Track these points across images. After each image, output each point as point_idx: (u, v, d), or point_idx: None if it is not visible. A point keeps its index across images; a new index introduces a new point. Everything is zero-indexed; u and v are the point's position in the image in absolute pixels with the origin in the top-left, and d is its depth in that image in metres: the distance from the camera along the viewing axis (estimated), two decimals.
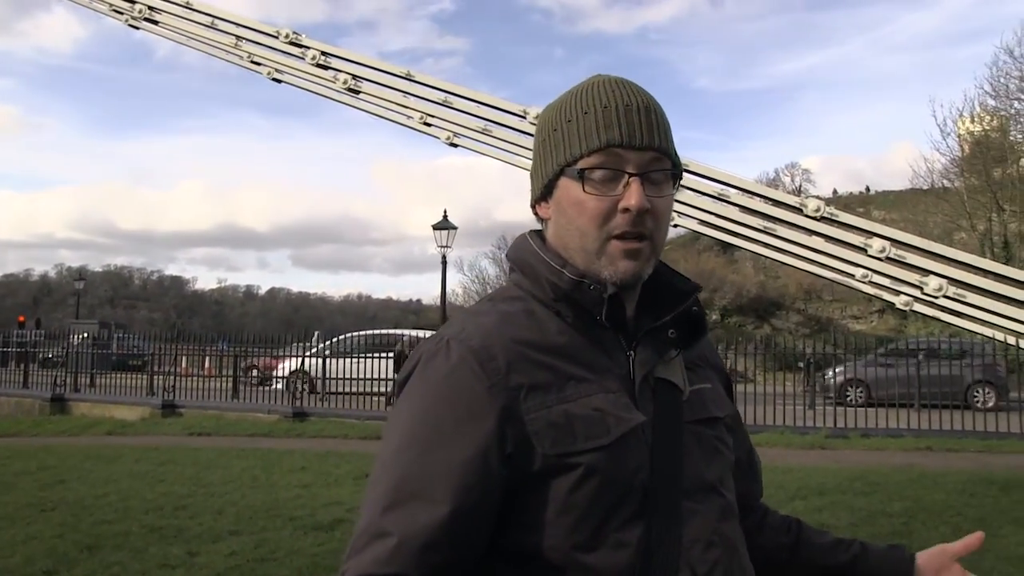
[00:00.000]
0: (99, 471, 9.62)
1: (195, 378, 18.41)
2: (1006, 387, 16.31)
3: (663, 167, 1.14)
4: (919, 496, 7.92)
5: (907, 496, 7.92)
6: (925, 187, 39.29)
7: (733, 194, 19.93)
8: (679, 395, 1.17)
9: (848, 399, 16.40)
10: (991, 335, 15.64)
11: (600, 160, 1.12)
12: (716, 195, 20.42)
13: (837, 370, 17.56)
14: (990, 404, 15.86)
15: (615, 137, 1.11)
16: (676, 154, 1.17)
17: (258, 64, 23.91)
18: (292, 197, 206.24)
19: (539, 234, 1.24)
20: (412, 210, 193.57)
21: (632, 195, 1.10)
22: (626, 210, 1.11)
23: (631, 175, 1.11)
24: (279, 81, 23.93)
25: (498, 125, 21.87)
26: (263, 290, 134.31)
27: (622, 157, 1.12)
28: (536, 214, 1.25)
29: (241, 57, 23.53)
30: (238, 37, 23.39)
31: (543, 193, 1.21)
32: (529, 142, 21.76)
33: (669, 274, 1.21)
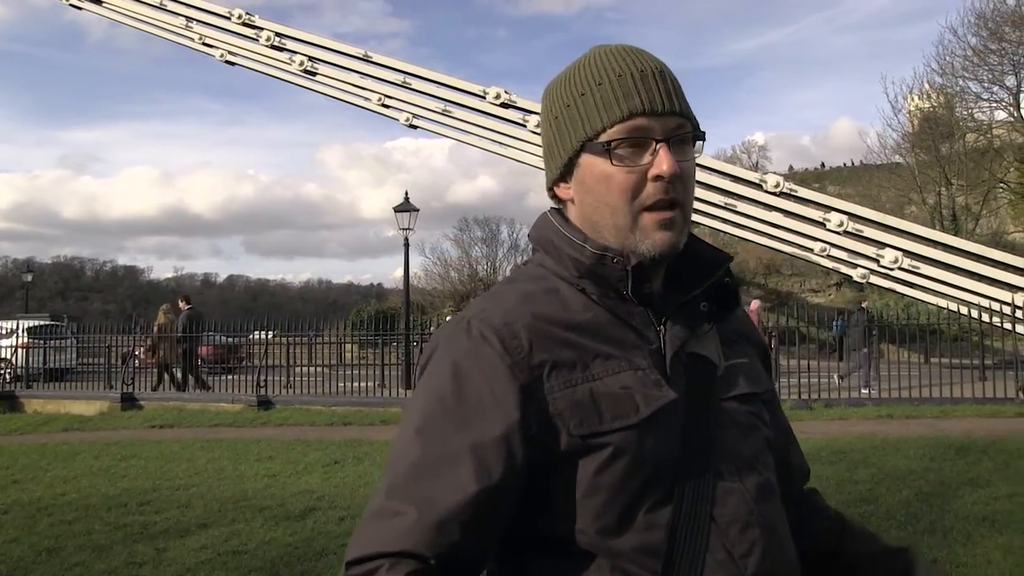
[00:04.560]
0: (56, 469, 9.36)
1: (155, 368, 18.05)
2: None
3: (686, 131, 1.11)
4: (882, 463, 8.06)
5: (871, 463, 8.06)
6: (878, 163, 39.96)
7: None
8: (713, 370, 1.13)
9: None
10: (944, 305, 16.01)
11: (625, 130, 1.08)
12: None
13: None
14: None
15: (637, 105, 1.08)
16: (694, 116, 1.13)
17: (210, 46, 23.50)
18: (243, 183, 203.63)
19: (560, 212, 1.20)
20: (364, 193, 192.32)
21: (663, 161, 1.07)
22: (658, 178, 1.07)
23: (659, 141, 1.07)
24: (232, 64, 23.55)
25: (458, 106, 21.80)
26: (221, 278, 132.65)
27: (647, 126, 1.08)
28: (555, 196, 1.21)
29: (193, 39, 23.10)
30: (188, 18, 22.95)
31: (563, 173, 1.16)
32: (489, 122, 21.82)
33: (697, 244, 1.17)
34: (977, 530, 5.67)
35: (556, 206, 1.22)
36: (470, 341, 1.07)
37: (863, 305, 16.36)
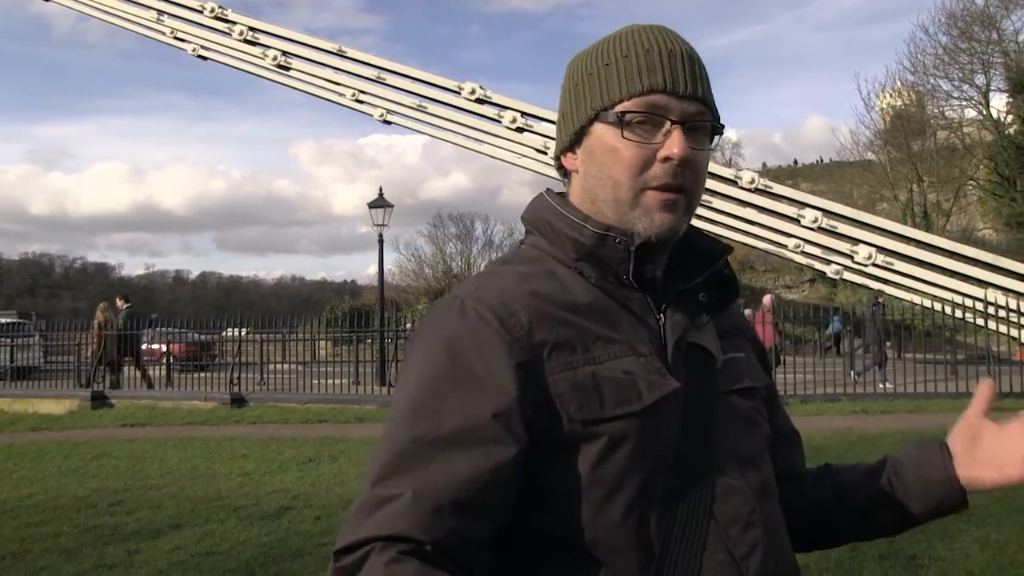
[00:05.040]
0: (23, 470, 9.18)
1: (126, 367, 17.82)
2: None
3: (705, 119, 1.06)
4: (860, 457, 7.83)
5: (849, 458, 7.95)
6: (851, 160, 40.37)
7: None
8: (713, 362, 1.08)
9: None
10: (917, 301, 16.16)
11: (642, 104, 1.03)
12: None
13: None
14: None
15: (659, 82, 1.03)
16: (717, 108, 1.08)
17: (182, 40, 23.21)
18: (215, 179, 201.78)
19: (558, 193, 1.15)
20: (337, 190, 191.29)
21: (675, 143, 1.02)
22: (667, 159, 1.02)
23: (674, 123, 1.03)
24: (205, 58, 23.28)
25: (433, 101, 21.69)
26: (194, 275, 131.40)
27: (665, 104, 1.03)
28: (561, 166, 1.16)
29: (164, 33, 22.80)
30: (160, 11, 22.64)
31: (572, 141, 1.11)
32: (464, 118, 21.74)
33: (697, 235, 1.13)
34: (955, 524, 5.69)
35: (556, 190, 1.18)
36: (464, 319, 1.00)
37: (879, 300, 16.10)
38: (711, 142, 1.08)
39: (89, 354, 17.39)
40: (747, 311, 16.03)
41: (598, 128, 1.07)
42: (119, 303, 17.87)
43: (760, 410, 1.15)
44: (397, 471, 0.93)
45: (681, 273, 1.09)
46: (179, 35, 23.00)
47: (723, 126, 1.08)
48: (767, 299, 16.07)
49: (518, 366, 0.97)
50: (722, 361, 1.10)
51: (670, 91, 1.03)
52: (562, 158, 1.15)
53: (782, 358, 15.37)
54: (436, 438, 0.94)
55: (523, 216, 1.16)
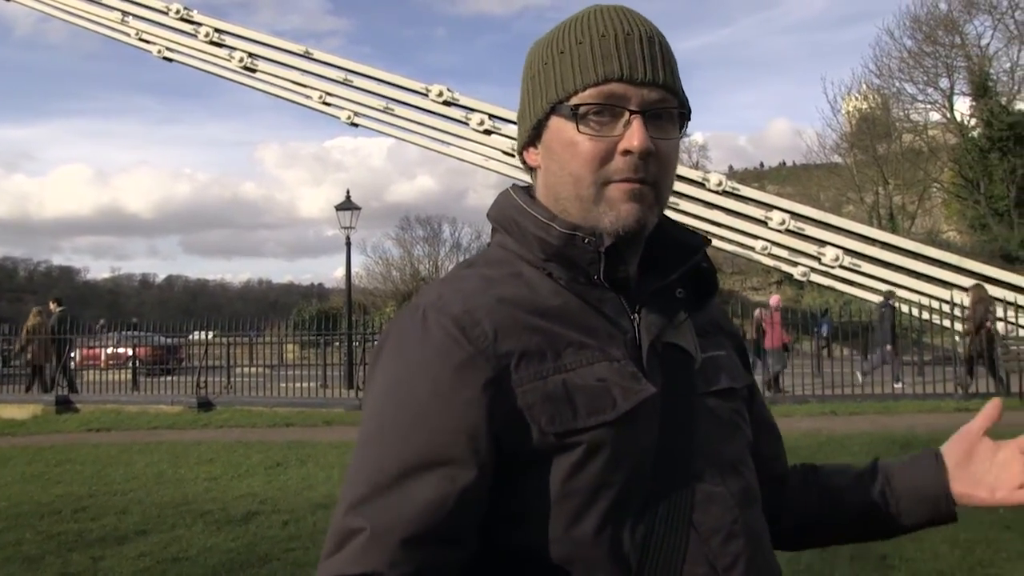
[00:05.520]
0: None
1: (91, 371, 17.57)
2: None
3: (669, 105, 0.99)
4: (829, 458, 8.13)
5: (818, 459, 8.05)
6: (817, 162, 40.81)
7: None
8: (691, 363, 1.03)
9: None
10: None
11: (597, 96, 0.97)
12: None
13: None
14: None
15: (614, 70, 0.96)
16: (683, 92, 1.02)
17: (148, 42, 22.96)
18: (180, 182, 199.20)
19: (525, 190, 1.09)
20: (303, 192, 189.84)
21: (634, 135, 0.95)
22: (627, 152, 0.96)
23: (632, 113, 0.96)
24: (170, 60, 23.03)
25: (401, 104, 21.62)
26: (160, 278, 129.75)
27: (622, 93, 0.97)
28: (524, 163, 1.09)
29: (129, 35, 22.55)
30: (124, 12, 22.37)
31: (531, 136, 1.06)
32: (431, 120, 21.67)
33: (672, 227, 1.06)
34: None
35: (521, 184, 1.12)
36: (426, 332, 0.95)
37: (890, 301, 15.89)
38: (679, 129, 1.02)
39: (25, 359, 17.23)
40: (756, 312, 15.98)
41: (555, 122, 1.01)
42: (52, 306, 17.70)
43: (741, 412, 1.09)
44: (365, 500, 0.89)
45: (656, 268, 1.04)
46: (144, 36, 22.78)
47: (689, 111, 1.03)
48: (775, 299, 16.04)
49: (484, 380, 0.92)
50: (701, 360, 1.05)
51: (627, 79, 0.96)
52: (524, 154, 1.09)
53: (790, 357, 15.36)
54: (401, 465, 0.90)
55: (489, 214, 1.10)
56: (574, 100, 0.98)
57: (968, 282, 16.69)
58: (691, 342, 1.05)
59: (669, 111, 1.00)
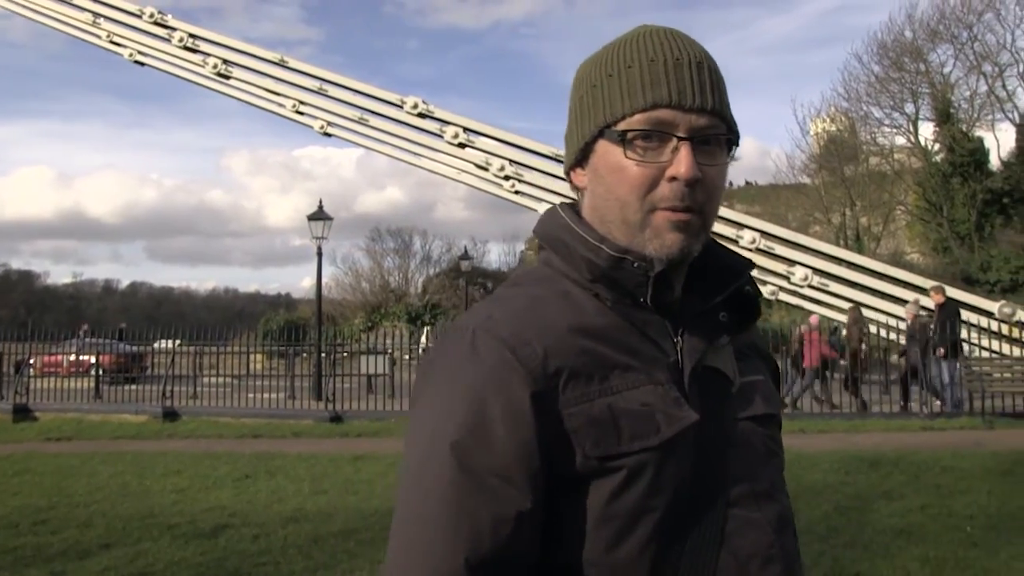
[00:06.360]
0: None
1: (51, 378, 17.21)
2: None
3: (717, 131, 0.99)
4: (799, 476, 8.21)
5: (788, 478, 8.14)
6: (786, 182, 41.36)
7: None
8: (729, 387, 1.03)
9: None
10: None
11: (645, 121, 0.97)
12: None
13: None
14: None
15: (663, 96, 0.97)
16: (732, 117, 1.02)
17: (119, 45, 22.66)
18: (146, 187, 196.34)
19: (571, 207, 1.09)
20: (270, 201, 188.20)
21: (681, 162, 0.96)
22: (674, 179, 0.96)
23: (680, 139, 0.96)
24: (142, 64, 22.76)
25: (375, 115, 21.54)
26: (123, 284, 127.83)
27: (671, 119, 0.97)
28: (571, 182, 1.10)
29: (100, 37, 22.25)
30: (96, 14, 22.09)
31: (579, 158, 1.06)
32: (405, 132, 21.58)
33: (717, 249, 1.07)
34: (895, 542, 5.82)
35: (568, 200, 1.12)
36: (475, 354, 0.95)
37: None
38: (727, 154, 1.02)
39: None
40: (798, 329, 16.17)
41: (602, 145, 1.02)
42: None
43: (776, 438, 1.11)
44: (429, 549, 0.90)
45: (699, 290, 1.05)
46: (116, 39, 22.49)
47: (738, 137, 1.03)
48: (814, 319, 16.22)
49: (535, 403, 0.92)
50: (739, 384, 1.05)
51: (676, 105, 0.97)
52: (571, 174, 1.09)
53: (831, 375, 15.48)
54: (460, 508, 0.90)
55: (536, 230, 1.10)
56: (622, 125, 0.99)
57: (931, 303, 16.97)
58: (731, 366, 1.05)
59: (717, 136, 1.00)
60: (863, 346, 14.74)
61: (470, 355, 0.95)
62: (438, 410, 0.95)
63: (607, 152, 1.01)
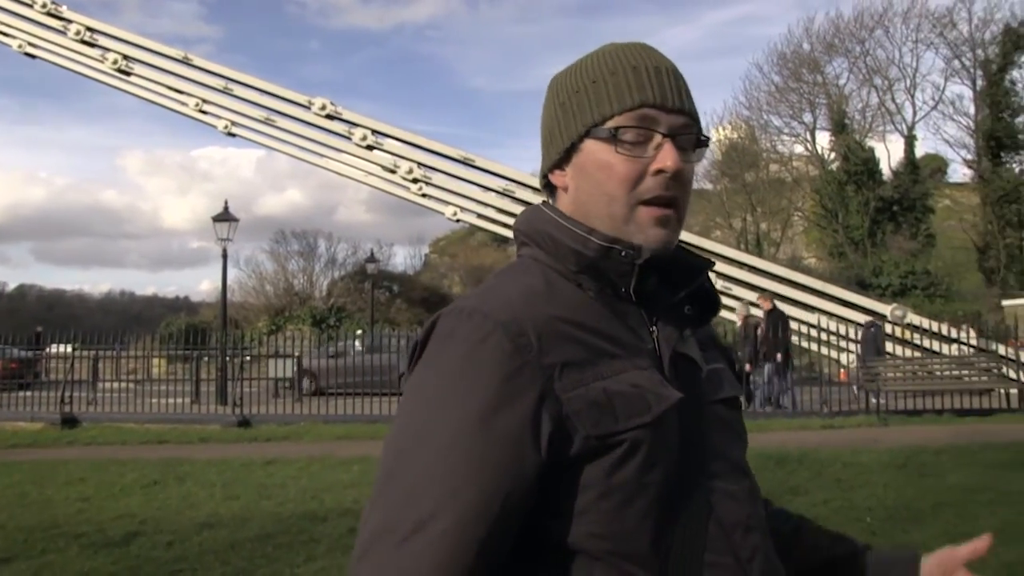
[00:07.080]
0: None
1: None
2: None
3: (692, 131, 1.10)
4: None
5: None
6: None
7: (516, 189, 20.42)
8: (700, 373, 1.11)
9: None
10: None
11: (633, 119, 1.06)
12: (502, 191, 20.84)
13: None
14: None
15: (649, 97, 1.07)
16: (700, 121, 1.13)
17: (7, 35, 21.65)
18: (34, 185, 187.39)
19: (553, 206, 1.16)
20: (167, 202, 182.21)
21: (667, 156, 1.05)
22: (660, 172, 1.05)
23: (664, 136, 1.06)
24: (33, 56, 21.79)
25: (281, 115, 21.17)
26: (10, 287, 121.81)
27: (655, 118, 1.07)
28: (548, 184, 1.18)
29: None
30: None
31: (561, 159, 1.13)
32: (312, 133, 21.26)
33: (680, 249, 1.15)
34: None
35: (544, 198, 1.19)
36: (473, 338, 0.98)
37: (877, 323, 16.27)
38: (695, 154, 1.12)
39: None
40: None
41: (590, 144, 1.09)
42: None
43: (740, 420, 1.19)
44: (414, 531, 0.92)
45: (667, 284, 1.12)
46: (3, 28, 21.49)
47: (707, 139, 1.13)
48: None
49: (533, 389, 0.96)
50: (706, 371, 1.13)
51: (660, 105, 1.06)
52: (550, 175, 1.16)
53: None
54: (451, 475, 0.93)
55: (518, 227, 1.16)
56: (610, 123, 1.07)
57: (830, 307, 17.72)
58: (698, 354, 1.12)
59: (690, 137, 1.10)
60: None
61: (467, 337, 0.99)
62: (426, 395, 0.99)
63: (595, 150, 1.08)
